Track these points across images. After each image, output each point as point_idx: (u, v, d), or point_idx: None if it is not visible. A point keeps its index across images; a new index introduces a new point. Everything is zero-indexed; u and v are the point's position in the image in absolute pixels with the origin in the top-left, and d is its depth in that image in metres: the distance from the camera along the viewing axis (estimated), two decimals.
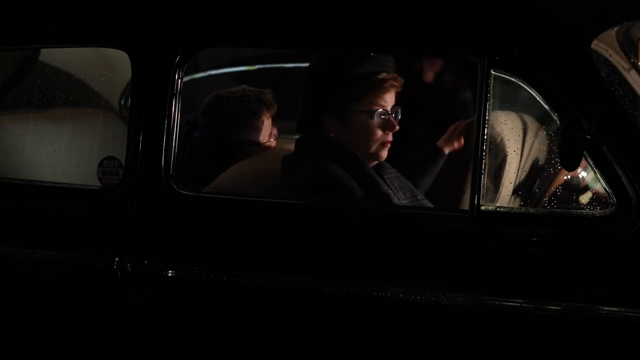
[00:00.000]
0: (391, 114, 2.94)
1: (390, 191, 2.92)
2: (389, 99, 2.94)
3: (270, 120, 3.35)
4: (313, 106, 3.02)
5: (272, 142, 3.38)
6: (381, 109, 2.92)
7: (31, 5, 3.03)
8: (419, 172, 3.22)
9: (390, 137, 2.97)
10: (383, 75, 2.92)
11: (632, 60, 2.80)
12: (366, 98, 2.92)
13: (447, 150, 3.23)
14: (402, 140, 3.05)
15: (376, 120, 2.92)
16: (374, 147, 2.95)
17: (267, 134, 3.34)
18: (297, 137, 3.06)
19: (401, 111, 2.99)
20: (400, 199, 2.94)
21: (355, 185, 2.85)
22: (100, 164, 2.95)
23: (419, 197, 3.06)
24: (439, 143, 3.25)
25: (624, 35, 2.79)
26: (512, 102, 2.69)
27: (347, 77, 2.92)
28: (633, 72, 2.77)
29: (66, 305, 2.91)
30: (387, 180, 2.98)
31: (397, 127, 2.96)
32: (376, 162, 2.98)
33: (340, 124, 2.95)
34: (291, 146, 3.16)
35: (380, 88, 2.93)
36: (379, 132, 2.94)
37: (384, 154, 2.98)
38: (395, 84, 2.94)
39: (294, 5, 2.78)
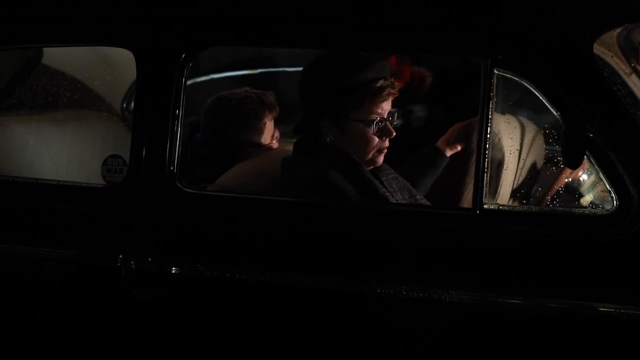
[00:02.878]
0: (388, 118, 2.94)
1: (387, 193, 2.93)
2: (385, 107, 2.94)
3: (272, 122, 3.36)
4: (310, 110, 3.02)
5: (274, 144, 3.39)
6: (378, 117, 2.92)
7: (37, 5, 3.05)
8: (419, 174, 3.22)
9: (387, 143, 2.97)
10: (380, 83, 2.91)
11: (632, 65, 2.81)
12: (363, 107, 2.92)
13: (448, 153, 3.23)
14: (404, 141, 3.06)
15: (373, 128, 2.92)
16: (370, 154, 2.96)
17: (269, 135, 3.36)
18: (296, 139, 3.07)
19: (398, 115, 2.99)
20: (398, 200, 2.95)
21: (351, 189, 2.85)
22: (105, 162, 2.96)
23: (418, 197, 3.07)
24: (440, 145, 3.25)
25: (624, 39, 2.80)
26: (515, 101, 2.70)
27: (344, 85, 2.92)
28: (634, 76, 2.79)
29: (70, 303, 2.91)
30: (385, 182, 2.98)
31: (394, 134, 2.96)
32: (372, 166, 2.99)
33: (337, 130, 2.95)
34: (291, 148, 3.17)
35: (377, 97, 2.92)
36: (376, 140, 2.94)
37: (381, 159, 2.99)
38: (392, 91, 2.94)
39: (295, 5, 2.80)
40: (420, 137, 3.39)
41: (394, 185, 3.00)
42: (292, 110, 3.43)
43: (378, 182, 2.94)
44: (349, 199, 2.83)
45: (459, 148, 3.21)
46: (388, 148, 2.99)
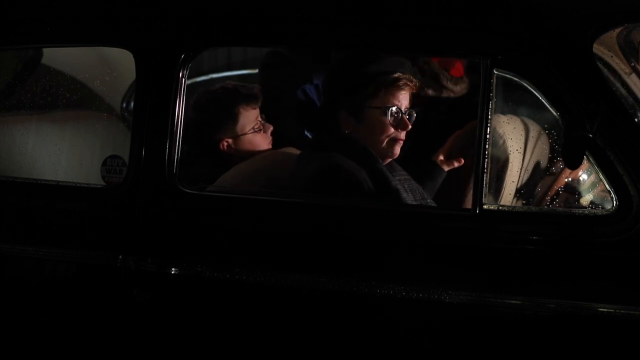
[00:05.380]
0: (405, 113, 2.96)
1: (400, 188, 2.93)
2: (402, 99, 2.96)
3: (250, 111, 3.33)
4: (329, 101, 3.03)
5: (262, 135, 3.36)
6: (395, 107, 2.94)
7: (36, 5, 3.05)
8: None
9: (402, 136, 2.98)
10: (397, 74, 2.94)
11: (632, 64, 2.81)
12: (380, 95, 2.94)
13: (446, 167, 3.21)
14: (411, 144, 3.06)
15: (389, 117, 2.93)
16: (385, 144, 2.97)
17: (246, 124, 3.32)
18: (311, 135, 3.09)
19: (415, 115, 3.00)
20: (409, 200, 2.95)
21: (365, 177, 2.86)
22: (104, 163, 2.97)
23: (429, 201, 3.06)
24: (439, 158, 3.22)
25: (624, 39, 2.80)
26: (514, 101, 2.71)
27: (363, 74, 2.94)
28: (633, 76, 2.79)
29: (70, 303, 2.92)
30: (398, 182, 2.99)
31: (410, 127, 2.97)
32: (389, 159, 3.00)
33: (355, 120, 2.96)
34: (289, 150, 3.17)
35: (394, 86, 2.95)
36: (392, 130, 2.95)
37: (397, 151, 3.00)
38: (410, 84, 2.97)
39: (297, 5, 2.80)
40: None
41: (405, 186, 3.00)
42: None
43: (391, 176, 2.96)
44: (361, 186, 2.83)
45: (456, 164, 3.18)
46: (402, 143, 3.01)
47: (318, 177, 2.89)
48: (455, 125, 3.22)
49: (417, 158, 3.18)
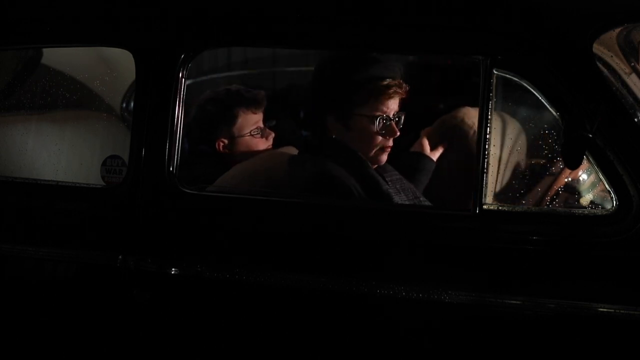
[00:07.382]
0: (393, 119, 2.93)
1: (391, 191, 2.93)
2: (392, 105, 2.93)
3: (251, 115, 3.34)
4: (316, 107, 3.03)
5: (260, 138, 3.36)
6: (384, 115, 2.91)
7: (36, 5, 3.05)
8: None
9: (390, 143, 2.97)
10: (387, 81, 2.91)
11: (632, 64, 2.81)
12: (369, 103, 2.91)
13: (433, 155, 3.19)
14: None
15: (377, 125, 2.91)
16: (373, 152, 2.95)
17: (244, 126, 3.33)
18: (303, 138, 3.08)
19: (404, 117, 2.98)
20: (402, 200, 2.95)
21: (354, 184, 2.85)
22: (104, 163, 2.97)
23: (422, 199, 3.06)
24: (419, 149, 3.18)
25: (624, 39, 2.80)
26: (514, 101, 2.71)
27: (351, 80, 2.92)
28: (633, 76, 2.79)
29: (69, 303, 2.92)
30: (390, 183, 2.98)
31: (398, 133, 2.95)
32: (376, 165, 2.98)
33: (342, 126, 2.95)
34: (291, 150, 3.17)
35: (383, 94, 2.91)
36: (379, 138, 2.93)
37: (384, 158, 2.98)
38: (400, 90, 2.93)
39: (297, 5, 2.80)
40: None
41: (397, 186, 2.99)
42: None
43: (382, 180, 2.95)
44: (351, 192, 2.83)
45: (441, 151, 3.17)
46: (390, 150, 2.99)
47: (310, 185, 2.88)
48: None
49: (402, 153, 3.17)
